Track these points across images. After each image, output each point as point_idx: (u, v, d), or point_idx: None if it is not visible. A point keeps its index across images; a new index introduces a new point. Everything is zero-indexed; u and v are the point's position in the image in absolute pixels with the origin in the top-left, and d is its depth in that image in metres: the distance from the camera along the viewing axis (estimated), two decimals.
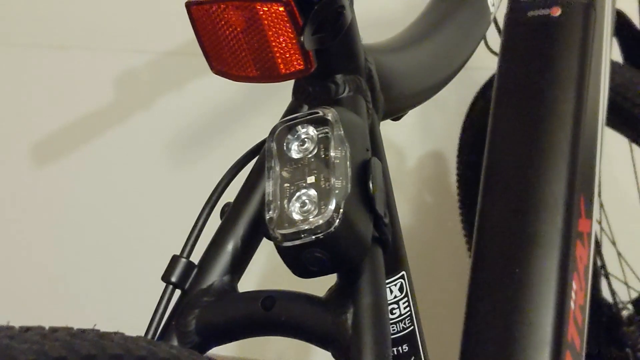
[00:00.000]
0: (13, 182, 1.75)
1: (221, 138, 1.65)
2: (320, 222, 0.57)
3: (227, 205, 0.68)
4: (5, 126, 1.73)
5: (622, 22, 1.26)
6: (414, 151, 1.69)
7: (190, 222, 0.68)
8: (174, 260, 0.65)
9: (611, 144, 1.33)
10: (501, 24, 1.06)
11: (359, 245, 0.59)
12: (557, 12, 1.01)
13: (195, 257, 0.66)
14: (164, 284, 0.65)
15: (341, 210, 0.57)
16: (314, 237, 0.57)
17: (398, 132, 1.63)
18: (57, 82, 1.70)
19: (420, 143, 1.68)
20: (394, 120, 0.81)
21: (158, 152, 1.70)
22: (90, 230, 1.74)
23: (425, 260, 1.66)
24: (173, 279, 0.64)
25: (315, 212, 0.58)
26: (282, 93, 0.76)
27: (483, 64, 1.16)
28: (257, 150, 0.71)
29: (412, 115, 0.91)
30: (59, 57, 1.68)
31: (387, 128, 0.97)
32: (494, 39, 1.09)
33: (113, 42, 1.67)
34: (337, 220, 0.57)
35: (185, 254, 0.66)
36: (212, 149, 1.66)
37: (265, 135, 0.63)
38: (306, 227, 0.57)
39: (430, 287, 1.63)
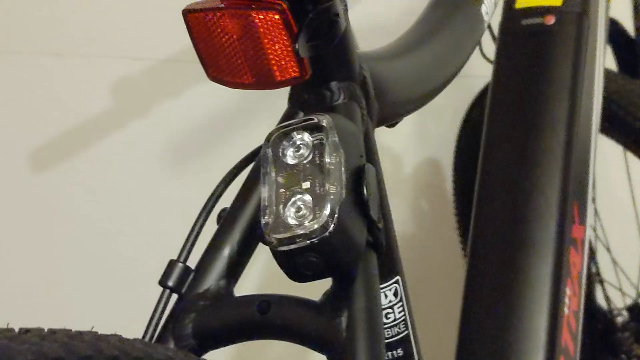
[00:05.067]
0: (10, 188, 1.75)
1: (218, 145, 1.66)
2: (315, 226, 0.57)
3: (223, 210, 0.69)
4: (1, 133, 1.73)
5: (616, 30, 1.27)
6: (410, 158, 1.69)
7: (185, 227, 0.69)
8: (171, 264, 0.66)
9: (606, 151, 1.34)
10: (496, 32, 1.07)
11: (353, 250, 0.59)
12: (550, 20, 1.02)
13: (192, 262, 0.67)
14: (161, 288, 0.66)
15: (336, 215, 0.57)
16: (308, 241, 0.57)
17: (395, 139, 1.63)
18: (54, 89, 1.70)
19: (417, 150, 1.69)
20: (388, 127, 0.82)
21: (154, 159, 1.70)
22: (87, 234, 1.74)
23: (421, 266, 1.67)
24: (170, 283, 0.65)
25: (310, 217, 0.58)
26: (281, 102, 0.77)
27: (478, 71, 1.17)
28: (253, 156, 0.71)
29: (408, 123, 0.91)
30: (56, 64, 1.68)
31: (384, 135, 0.98)
32: (490, 47, 1.10)
33: (110, 49, 1.67)
34: (332, 225, 0.57)
35: (182, 259, 0.66)
36: (208, 156, 1.66)
37: (261, 142, 0.63)
38: (301, 232, 0.57)
39: (426, 292, 1.64)
